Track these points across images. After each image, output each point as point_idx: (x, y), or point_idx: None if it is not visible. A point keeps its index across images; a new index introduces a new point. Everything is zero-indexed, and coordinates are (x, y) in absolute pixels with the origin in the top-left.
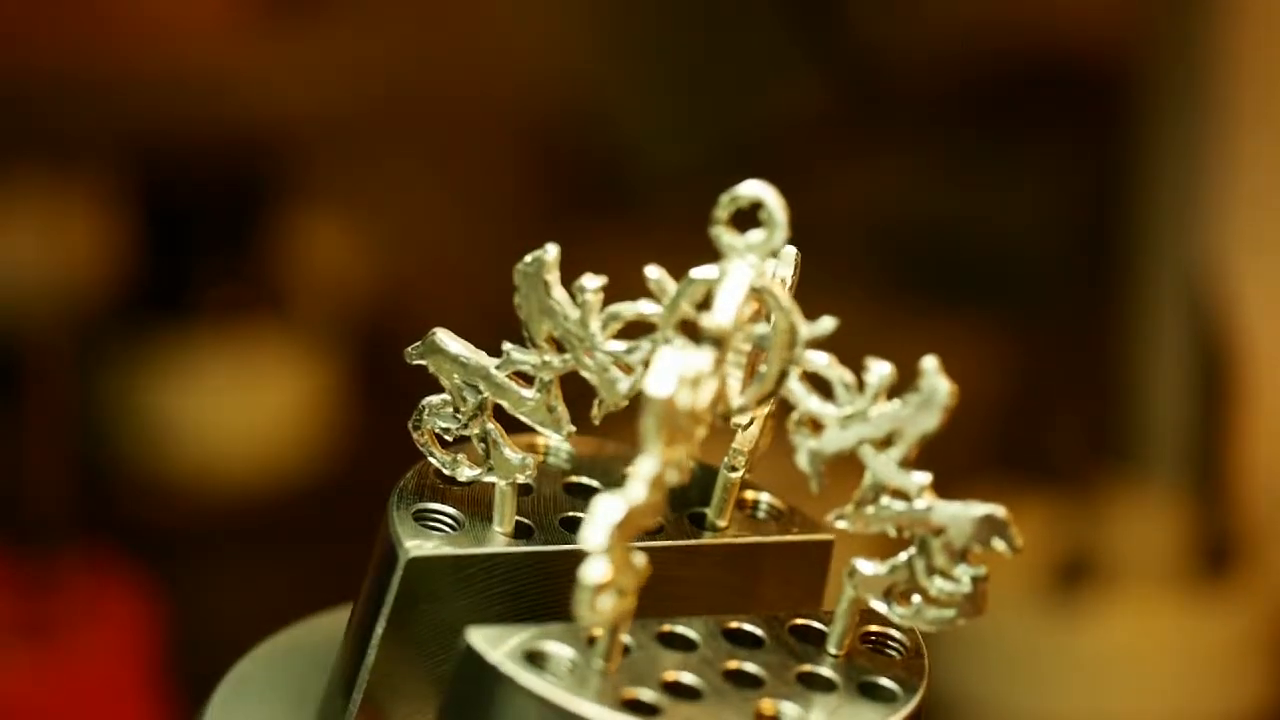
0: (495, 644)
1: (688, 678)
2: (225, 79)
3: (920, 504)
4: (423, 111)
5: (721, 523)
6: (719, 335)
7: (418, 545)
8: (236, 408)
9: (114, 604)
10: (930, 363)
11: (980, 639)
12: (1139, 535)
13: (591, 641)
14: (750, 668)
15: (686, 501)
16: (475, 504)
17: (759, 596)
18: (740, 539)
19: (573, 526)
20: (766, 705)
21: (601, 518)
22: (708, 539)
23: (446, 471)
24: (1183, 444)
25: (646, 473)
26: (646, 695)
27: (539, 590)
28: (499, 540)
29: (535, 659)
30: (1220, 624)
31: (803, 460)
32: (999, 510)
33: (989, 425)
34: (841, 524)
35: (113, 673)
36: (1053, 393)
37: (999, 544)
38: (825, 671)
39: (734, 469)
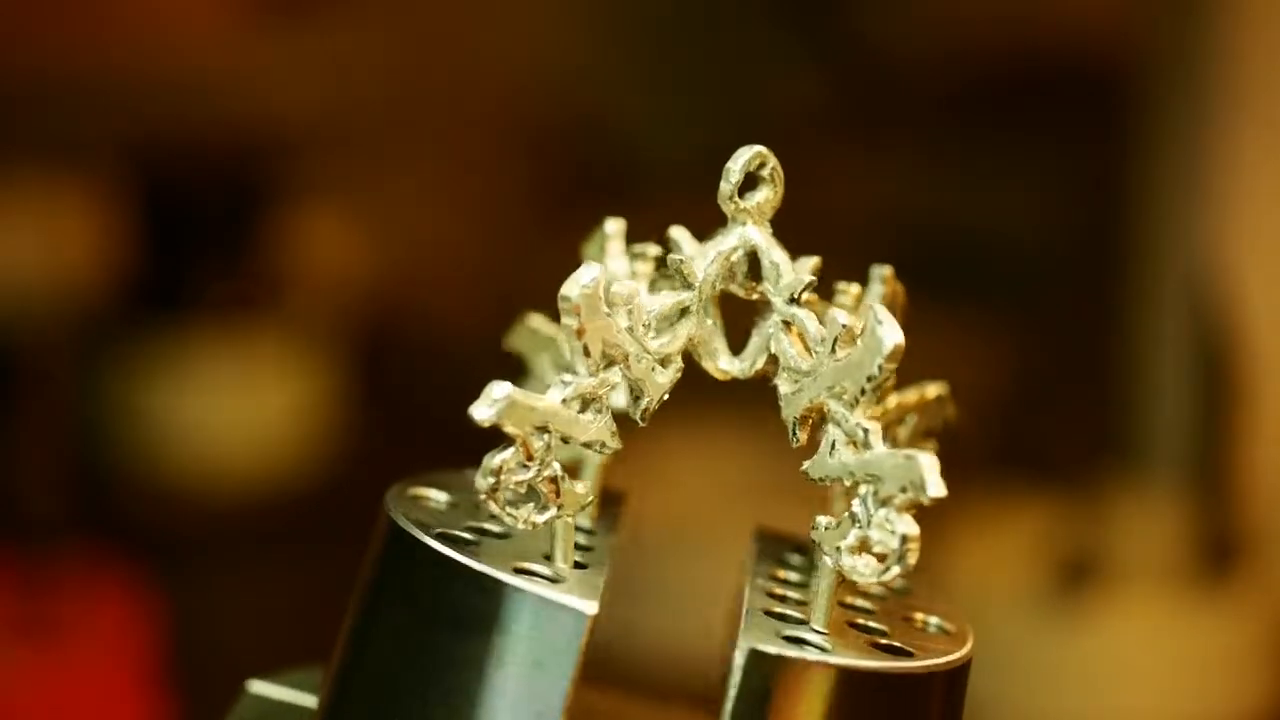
0: (772, 644)
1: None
2: (224, 78)
3: (864, 453)
4: (421, 110)
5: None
6: (800, 290)
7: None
8: (236, 408)
9: (112, 605)
10: (877, 312)
11: (981, 639)
12: (1140, 535)
13: (783, 619)
14: (858, 603)
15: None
16: (497, 553)
17: None
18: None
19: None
20: (915, 617)
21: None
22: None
23: (522, 525)
24: (1184, 443)
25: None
26: (880, 640)
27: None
28: (593, 578)
29: (796, 643)
30: (1223, 624)
31: (784, 410)
32: (921, 457)
33: (989, 424)
34: (814, 473)
35: (111, 673)
36: (1053, 392)
37: (913, 493)
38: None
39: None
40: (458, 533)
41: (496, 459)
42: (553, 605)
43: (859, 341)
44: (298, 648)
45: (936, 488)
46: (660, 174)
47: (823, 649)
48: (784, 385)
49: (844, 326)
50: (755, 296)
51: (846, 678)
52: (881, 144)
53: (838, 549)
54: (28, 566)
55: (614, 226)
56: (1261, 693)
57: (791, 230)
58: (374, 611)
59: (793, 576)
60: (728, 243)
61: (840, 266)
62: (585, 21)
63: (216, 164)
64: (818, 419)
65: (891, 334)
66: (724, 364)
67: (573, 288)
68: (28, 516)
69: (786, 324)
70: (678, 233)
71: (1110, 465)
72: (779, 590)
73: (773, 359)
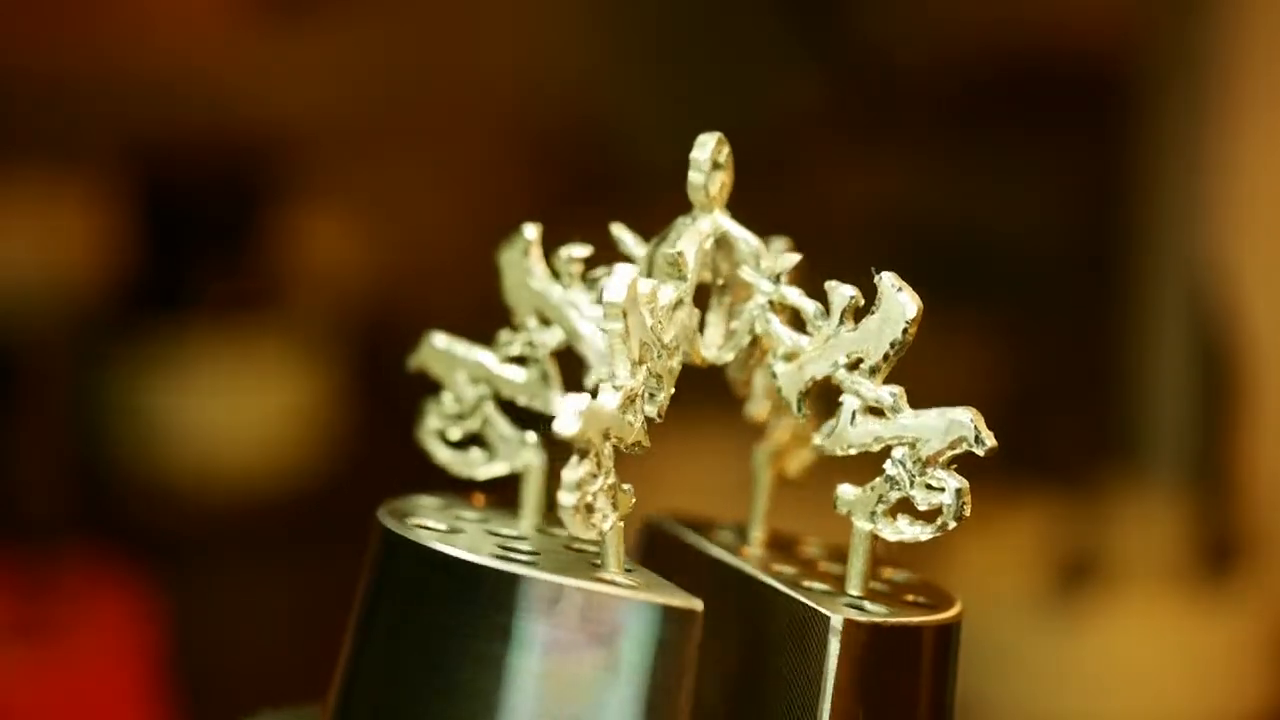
0: (856, 614)
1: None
2: (224, 78)
3: (895, 417)
4: (422, 110)
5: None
6: (788, 268)
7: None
8: (235, 408)
9: (112, 605)
10: (891, 280)
11: (981, 639)
12: (1141, 535)
13: (809, 591)
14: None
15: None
16: (559, 569)
17: None
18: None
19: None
20: (883, 572)
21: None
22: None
23: (594, 535)
24: (1185, 443)
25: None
26: (905, 597)
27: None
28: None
29: (860, 610)
30: (1223, 624)
31: (784, 388)
32: (960, 412)
33: (990, 424)
34: (835, 446)
35: (111, 673)
36: (1054, 392)
37: (966, 446)
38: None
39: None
40: (516, 556)
41: (579, 472)
42: (659, 609)
43: (875, 310)
44: (297, 649)
45: (992, 437)
46: (660, 175)
47: (885, 612)
48: (778, 364)
49: (850, 297)
50: (721, 280)
51: (918, 634)
52: (882, 144)
53: (873, 514)
54: (28, 566)
55: (533, 232)
56: (1262, 693)
57: (792, 230)
58: (459, 652)
59: (757, 553)
60: (703, 230)
61: (841, 266)
62: (586, 22)
63: (216, 164)
64: (817, 392)
65: (912, 299)
66: (703, 351)
67: (619, 291)
68: (28, 516)
69: (772, 304)
70: (619, 230)
71: (1110, 465)
72: (776, 567)
73: (753, 340)
